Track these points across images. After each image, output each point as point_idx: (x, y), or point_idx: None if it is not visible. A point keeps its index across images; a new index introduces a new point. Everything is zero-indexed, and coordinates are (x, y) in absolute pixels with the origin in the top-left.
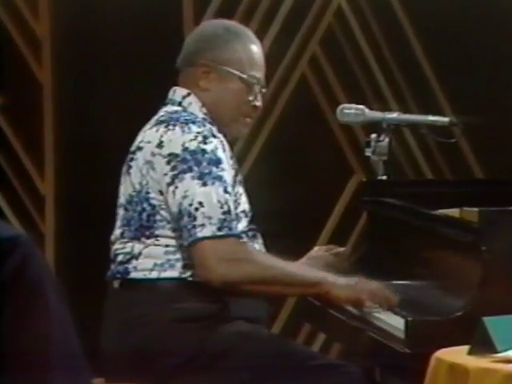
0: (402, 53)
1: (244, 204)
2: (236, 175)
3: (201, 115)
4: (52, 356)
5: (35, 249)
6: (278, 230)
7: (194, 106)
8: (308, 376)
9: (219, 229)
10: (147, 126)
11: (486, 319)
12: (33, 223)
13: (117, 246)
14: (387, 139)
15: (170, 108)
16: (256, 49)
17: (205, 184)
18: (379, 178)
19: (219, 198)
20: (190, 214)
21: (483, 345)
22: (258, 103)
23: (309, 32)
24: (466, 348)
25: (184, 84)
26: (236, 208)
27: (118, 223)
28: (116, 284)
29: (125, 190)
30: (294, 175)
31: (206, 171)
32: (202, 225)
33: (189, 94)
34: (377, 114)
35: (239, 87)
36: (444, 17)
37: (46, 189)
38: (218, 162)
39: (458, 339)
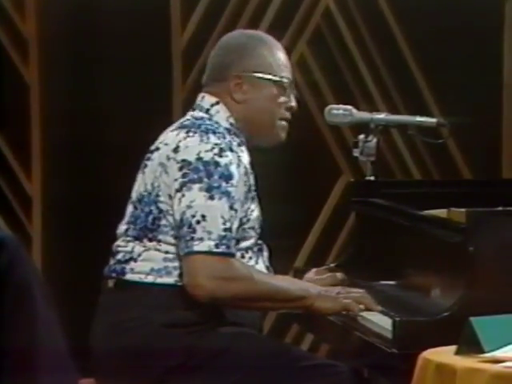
0: (390, 53)
1: (254, 220)
2: (249, 191)
3: (226, 125)
4: (38, 357)
5: (22, 251)
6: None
7: (221, 115)
8: (299, 376)
9: (217, 245)
10: (170, 128)
11: (474, 319)
12: (20, 224)
13: (119, 242)
14: (375, 140)
15: (196, 113)
16: (281, 51)
17: (212, 197)
18: (367, 178)
19: (223, 213)
20: (190, 225)
21: (470, 345)
22: (293, 103)
23: (297, 32)
24: (453, 348)
25: (215, 97)
26: (245, 224)
27: (126, 219)
28: (111, 283)
29: (138, 188)
30: (281, 176)
31: (216, 185)
32: (201, 238)
33: (217, 103)
34: (365, 115)
35: (273, 91)
36: (431, 17)
37: (33, 190)
38: (229, 177)
39: (446, 339)
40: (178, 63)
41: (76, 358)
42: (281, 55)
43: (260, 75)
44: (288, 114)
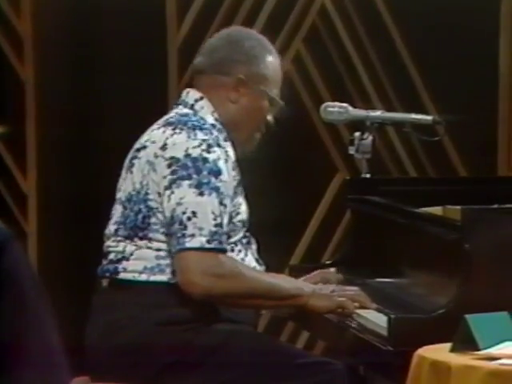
0: (386, 51)
1: (243, 214)
2: (237, 186)
3: (211, 120)
4: (25, 351)
5: (15, 243)
6: (261, 228)
7: (206, 111)
8: (295, 373)
9: (208, 241)
10: (155, 126)
11: (469, 317)
12: (15, 222)
13: (110, 242)
14: (371, 137)
15: (181, 110)
16: (279, 65)
17: (201, 194)
18: (363, 176)
19: (214, 209)
20: (181, 222)
21: (465, 342)
22: (270, 117)
23: (292, 30)
24: (448, 345)
25: (207, 87)
26: (234, 218)
27: (114, 219)
28: (105, 283)
29: (125, 187)
30: (277, 173)
31: (205, 181)
32: (192, 235)
33: (201, 98)
34: (360, 112)
35: (266, 105)
36: (427, 15)
37: (29, 187)
38: (218, 172)
39: (441, 337)
40: (174, 61)
41: (71, 356)
42: (279, 69)
43: (261, 87)
44: (264, 128)
